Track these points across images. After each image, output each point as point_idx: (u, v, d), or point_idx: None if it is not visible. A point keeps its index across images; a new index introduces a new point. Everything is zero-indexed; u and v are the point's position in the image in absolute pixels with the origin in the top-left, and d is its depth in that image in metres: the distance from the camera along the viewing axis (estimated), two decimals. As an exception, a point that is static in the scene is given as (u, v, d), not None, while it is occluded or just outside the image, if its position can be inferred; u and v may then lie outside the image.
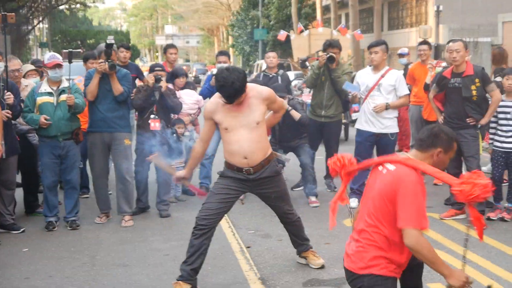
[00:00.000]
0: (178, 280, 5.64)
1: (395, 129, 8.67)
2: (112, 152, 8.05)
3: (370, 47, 8.67)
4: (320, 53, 9.28)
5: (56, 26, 59.64)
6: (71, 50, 8.59)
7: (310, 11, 41.12)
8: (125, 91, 7.86)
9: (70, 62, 7.94)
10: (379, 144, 8.63)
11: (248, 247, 7.04)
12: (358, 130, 8.73)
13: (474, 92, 7.70)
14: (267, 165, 5.75)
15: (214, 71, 10.76)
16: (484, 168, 9.32)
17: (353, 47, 28.51)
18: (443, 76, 7.95)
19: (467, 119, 7.79)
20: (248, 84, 5.60)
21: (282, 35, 23.07)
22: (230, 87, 5.38)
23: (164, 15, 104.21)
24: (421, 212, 3.77)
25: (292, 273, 6.18)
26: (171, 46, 10.43)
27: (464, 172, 7.66)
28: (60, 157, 7.72)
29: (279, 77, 10.02)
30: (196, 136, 8.59)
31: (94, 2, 59.89)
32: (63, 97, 7.65)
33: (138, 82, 9.56)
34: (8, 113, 7.39)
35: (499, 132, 7.93)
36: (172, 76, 9.20)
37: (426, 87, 9.02)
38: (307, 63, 11.65)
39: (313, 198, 8.91)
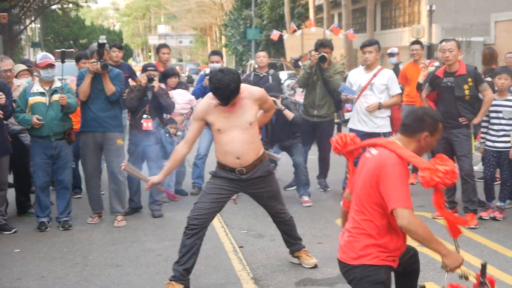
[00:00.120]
0: (170, 280, 5.63)
1: (388, 129, 8.68)
2: (104, 152, 8.03)
3: (363, 46, 8.68)
4: (313, 53, 9.28)
5: (48, 26, 59.42)
6: (64, 49, 8.56)
7: (303, 11, 41.15)
8: (118, 91, 7.84)
9: (63, 61, 7.91)
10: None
11: (241, 247, 7.04)
12: (351, 129, 8.71)
13: (466, 92, 7.70)
14: (259, 165, 5.75)
15: (207, 71, 10.76)
16: (475, 167, 9.33)
17: (346, 47, 28.53)
18: (436, 76, 7.95)
19: (460, 119, 7.79)
20: (241, 85, 5.59)
21: (275, 34, 23.06)
22: (226, 89, 5.36)
23: (157, 14, 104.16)
24: (407, 193, 3.71)
25: (285, 272, 6.18)
26: (164, 45, 10.42)
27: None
28: (52, 157, 7.69)
29: (270, 77, 10.01)
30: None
31: (86, 1, 59.76)
32: (56, 97, 7.62)
33: (131, 82, 9.54)
34: (-1, 113, 7.38)
35: (491, 132, 7.95)
36: (164, 76, 9.19)
37: (419, 87, 9.03)
38: (300, 63, 11.62)
39: (306, 198, 8.91)
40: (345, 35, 24.47)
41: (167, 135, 8.60)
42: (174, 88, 9.32)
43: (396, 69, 11.45)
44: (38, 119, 7.47)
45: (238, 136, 5.61)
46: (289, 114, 8.64)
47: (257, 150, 5.76)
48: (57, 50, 9.11)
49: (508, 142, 7.85)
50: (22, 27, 50.43)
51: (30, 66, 9.49)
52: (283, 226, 6.25)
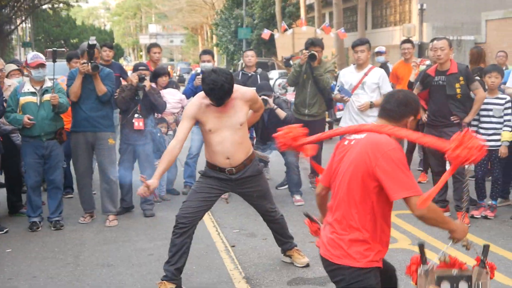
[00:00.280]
0: (162, 280, 5.63)
1: (379, 127, 8.67)
2: (96, 152, 8.01)
3: (355, 46, 8.70)
4: (304, 51, 9.29)
5: (39, 26, 59.20)
6: (55, 49, 8.52)
7: (294, 10, 41.21)
8: (109, 91, 7.82)
9: (54, 61, 7.86)
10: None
11: (233, 246, 7.03)
12: (342, 128, 8.75)
13: (458, 90, 7.72)
14: (249, 164, 5.76)
15: (198, 70, 10.75)
16: (466, 166, 9.34)
17: (337, 46, 28.61)
18: (427, 74, 7.96)
19: (451, 117, 7.81)
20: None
21: (266, 34, 23.08)
22: (220, 90, 5.32)
23: (148, 14, 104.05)
24: (414, 179, 3.55)
25: (277, 272, 6.18)
26: (155, 45, 10.40)
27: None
28: (43, 157, 7.67)
29: (258, 76, 10.00)
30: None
31: (77, 1, 59.42)
32: (47, 96, 7.59)
33: (122, 82, 9.52)
34: (-10, 113, 7.35)
35: (481, 130, 7.94)
36: (154, 76, 9.17)
37: (410, 85, 9.05)
38: (291, 62, 11.65)
39: (297, 197, 8.91)
40: (336, 34, 24.52)
41: (158, 134, 8.58)
42: (164, 88, 9.32)
43: (383, 67, 11.45)
44: (29, 119, 7.44)
45: (229, 137, 5.59)
46: (281, 113, 8.65)
47: (247, 150, 5.76)
48: (48, 50, 9.05)
49: (499, 140, 7.87)
50: (12, 27, 50.26)
51: (19, 66, 9.45)
52: (273, 224, 6.25)
